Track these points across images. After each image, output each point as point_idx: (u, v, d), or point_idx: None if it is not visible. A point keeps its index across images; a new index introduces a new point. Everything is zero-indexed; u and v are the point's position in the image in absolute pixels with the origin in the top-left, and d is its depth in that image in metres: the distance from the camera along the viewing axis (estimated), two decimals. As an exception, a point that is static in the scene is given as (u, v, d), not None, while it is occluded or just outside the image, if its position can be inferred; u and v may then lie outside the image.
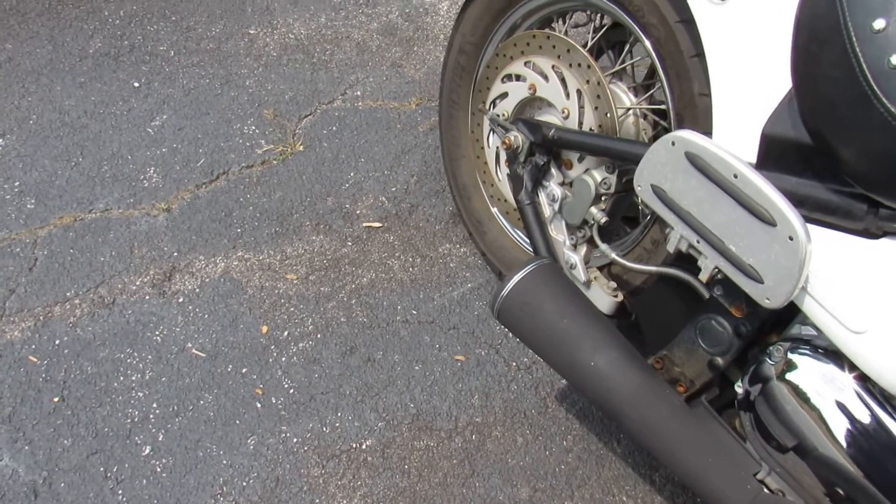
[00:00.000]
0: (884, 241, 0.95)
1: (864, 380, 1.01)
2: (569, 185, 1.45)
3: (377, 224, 1.92)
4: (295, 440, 1.51)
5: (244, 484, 1.44)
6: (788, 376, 1.06)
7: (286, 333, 1.68)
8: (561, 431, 1.54)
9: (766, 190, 0.96)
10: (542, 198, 1.48)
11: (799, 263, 0.95)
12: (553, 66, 1.43)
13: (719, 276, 1.09)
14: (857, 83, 0.86)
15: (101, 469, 1.45)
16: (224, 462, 1.47)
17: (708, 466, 1.14)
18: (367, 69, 2.35)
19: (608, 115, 1.36)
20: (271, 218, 1.92)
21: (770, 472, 1.15)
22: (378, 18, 2.56)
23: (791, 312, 1.08)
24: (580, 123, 1.40)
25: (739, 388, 1.15)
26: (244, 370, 1.61)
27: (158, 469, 1.45)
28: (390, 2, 2.62)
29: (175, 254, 1.82)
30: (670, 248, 1.12)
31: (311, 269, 1.81)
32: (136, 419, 1.52)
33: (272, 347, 1.66)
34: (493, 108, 1.58)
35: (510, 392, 1.60)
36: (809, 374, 1.05)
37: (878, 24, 0.85)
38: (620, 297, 1.44)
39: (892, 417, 0.99)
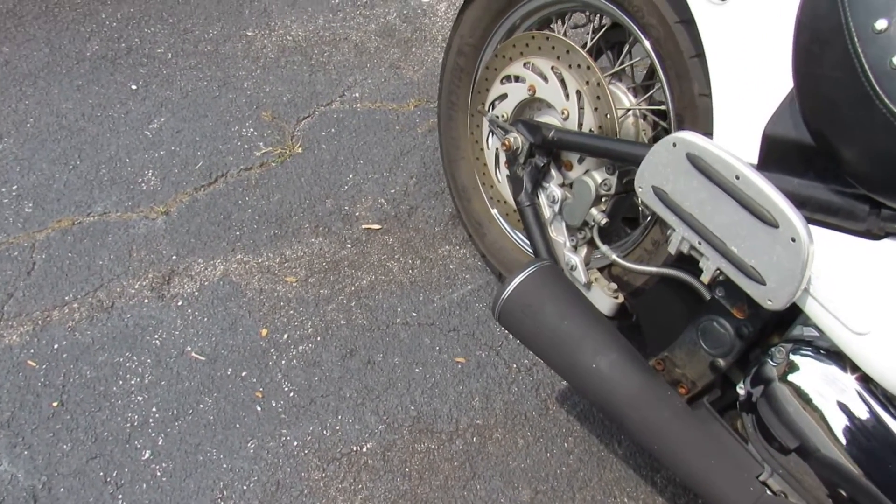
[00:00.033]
0: (886, 241, 0.95)
1: (866, 381, 1.00)
2: (569, 187, 1.45)
3: (376, 226, 1.92)
4: (295, 443, 1.50)
5: (244, 488, 1.43)
6: (790, 378, 1.06)
7: (286, 336, 1.68)
8: (562, 433, 1.54)
9: (768, 191, 0.96)
10: (542, 199, 1.47)
11: (801, 265, 0.95)
12: (552, 68, 1.42)
13: (721, 277, 1.08)
14: (859, 84, 0.86)
15: (101, 474, 1.44)
16: (224, 466, 1.46)
17: (710, 468, 1.14)
18: (366, 71, 2.35)
19: (608, 116, 1.35)
20: (270, 220, 1.91)
21: (772, 473, 1.14)
22: (376, 20, 2.55)
23: (793, 313, 1.07)
24: (580, 124, 1.40)
25: (741, 390, 1.14)
26: (244, 373, 1.61)
27: (158, 473, 1.45)
28: (388, 3, 2.62)
29: (174, 257, 1.82)
30: (672, 249, 1.12)
31: (311, 271, 1.81)
32: (135, 423, 1.52)
33: (272, 350, 1.65)
34: (493, 109, 1.58)
35: (511, 394, 1.60)
36: (811, 375, 1.05)
37: (880, 24, 0.84)
38: (621, 299, 1.44)
39: (895, 418, 0.98)
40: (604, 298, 1.43)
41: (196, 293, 1.75)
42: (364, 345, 1.67)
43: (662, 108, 1.37)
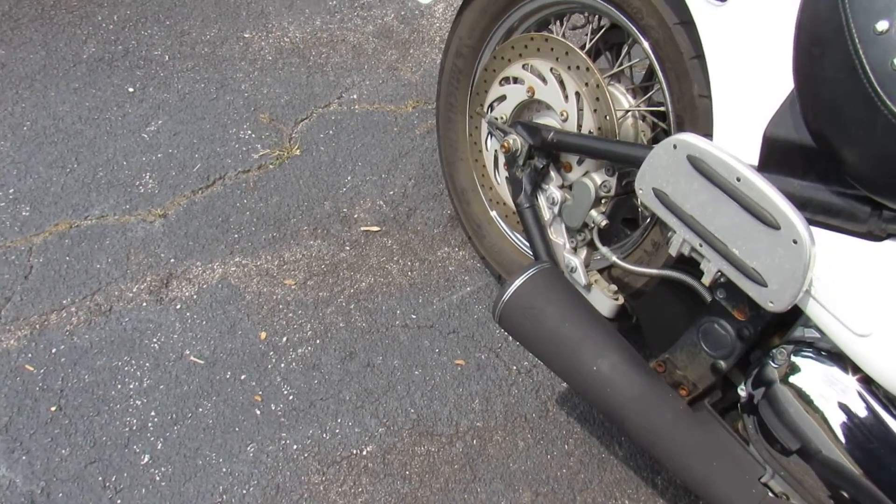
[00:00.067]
0: (887, 243, 0.94)
1: (867, 382, 1.00)
2: (568, 189, 1.44)
3: (375, 228, 1.91)
4: (295, 447, 1.50)
5: (244, 492, 1.43)
6: (792, 379, 1.06)
7: (285, 339, 1.67)
8: (562, 435, 1.54)
9: (769, 193, 0.96)
10: (542, 201, 1.47)
11: (803, 267, 0.95)
12: (551, 69, 1.42)
13: (722, 279, 1.08)
14: (861, 85, 0.86)
15: (100, 478, 1.44)
16: (224, 470, 1.46)
17: (712, 470, 1.14)
18: (363, 72, 2.35)
19: (607, 117, 1.35)
20: (268, 223, 1.91)
21: (774, 475, 1.14)
22: (373, 21, 2.55)
23: (793, 315, 1.07)
24: (579, 126, 1.40)
25: (742, 392, 1.14)
26: (243, 377, 1.60)
27: (157, 478, 1.44)
28: (385, 4, 2.61)
29: (172, 260, 1.81)
30: (672, 251, 1.12)
31: (310, 274, 1.80)
32: (134, 427, 1.51)
33: (271, 353, 1.65)
34: (492, 111, 1.57)
35: (511, 396, 1.60)
36: (813, 376, 1.04)
37: (882, 25, 0.84)
38: (621, 300, 1.43)
39: (897, 419, 0.98)
40: (604, 300, 1.43)
41: (194, 296, 1.74)
42: (363, 347, 1.67)
43: (661, 109, 1.36)
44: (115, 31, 2.44)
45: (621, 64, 1.46)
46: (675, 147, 1.06)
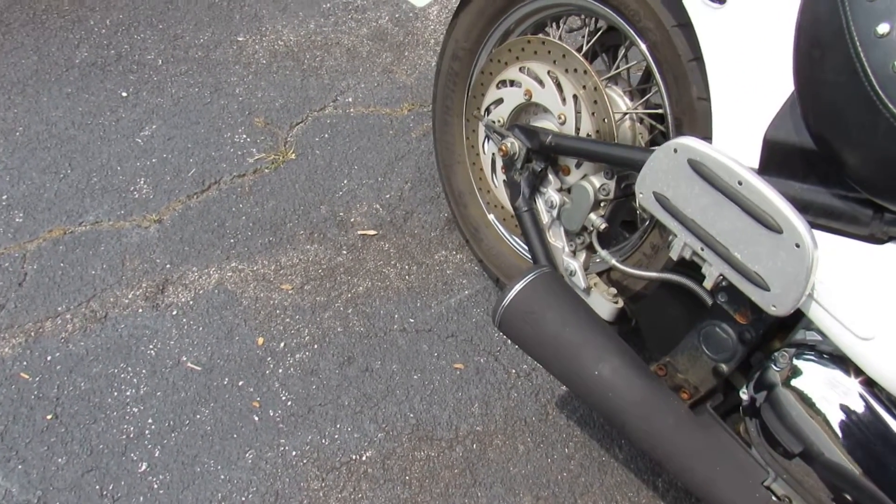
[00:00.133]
0: (889, 245, 0.94)
1: (870, 384, 1.00)
2: (567, 192, 1.44)
3: (372, 232, 1.90)
4: (294, 453, 1.49)
5: (243, 499, 1.42)
6: (794, 382, 1.05)
7: (282, 345, 1.66)
8: (562, 438, 1.53)
9: (771, 197, 0.96)
10: (540, 204, 1.47)
11: (806, 270, 0.95)
12: (549, 72, 1.41)
13: (724, 283, 1.08)
14: (862, 88, 0.86)
15: (97, 487, 1.42)
16: (222, 477, 1.45)
17: (715, 474, 1.13)
18: (358, 75, 2.34)
19: (605, 120, 1.35)
20: (264, 227, 1.90)
21: (776, 478, 1.14)
22: (368, 24, 2.54)
23: (795, 317, 1.07)
24: (577, 129, 1.39)
25: (744, 395, 1.14)
26: (241, 383, 1.59)
27: (155, 486, 1.43)
28: (380, 7, 2.61)
29: (168, 266, 1.80)
30: (673, 255, 1.11)
31: (307, 278, 1.79)
32: (131, 435, 1.50)
33: (268, 359, 1.64)
34: (489, 114, 1.57)
35: (510, 400, 1.59)
36: (815, 379, 1.04)
37: (883, 28, 0.84)
38: (621, 304, 1.43)
39: (900, 422, 0.98)
40: (603, 303, 1.42)
41: (191, 302, 1.73)
42: (362, 352, 1.66)
43: (659, 111, 1.36)
44: (108, 36, 2.43)
45: (618, 66, 1.46)
46: (675, 151, 1.06)
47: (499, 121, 1.53)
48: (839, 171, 0.95)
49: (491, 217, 1.74)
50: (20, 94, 2.20)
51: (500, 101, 1.53)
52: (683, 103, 1.26)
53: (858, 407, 1.01)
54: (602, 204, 1.39)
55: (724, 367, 1.17)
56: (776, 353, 1.07)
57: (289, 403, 1.56)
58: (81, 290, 1.74)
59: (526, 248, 1.62)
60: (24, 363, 1.60)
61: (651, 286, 1.38)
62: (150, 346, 1.64)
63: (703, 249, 1.07)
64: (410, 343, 1.68)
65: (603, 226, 1.39)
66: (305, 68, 2.35)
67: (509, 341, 1.64)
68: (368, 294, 1.77)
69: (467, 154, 1.71)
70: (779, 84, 1.04)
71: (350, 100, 2.25)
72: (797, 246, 0.95)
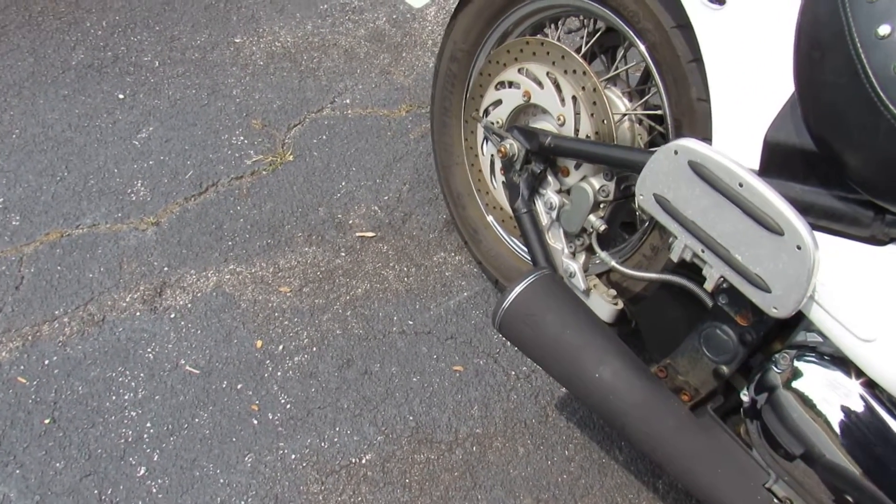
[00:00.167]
0: (891, 247, 0.94)
1: (871, 386, 1.00)
2: (566, 193, 1.44)
3: (370, 234, 1.90)
4: (293, 456, 1.48)
5: (242, 503, 1.41)
6: (795, 384, 1.05)
7: (281, 347, 1.66)
8: (562, 440, 1.53)
9: (772, 199, 0.95)
10: (540, 206, 1.46)
11: (807, 272, 0.94)
12: (547, 73, 1.41)
13: (724, 284, 1.08)
14: (863, 89, 0.85)
15: (95, 492, 1.42)
16: (221, 481, 1.44)
17: (716, 476, 1.13)
18: (356, 76, 2.33)
19: (604, 121, 1.35)
20: (263, 230, 1.89)
21: (777, 480, 1.14)
22: (365, 25, 2.54)
23: (795, 319, 1.07)
24: (576, 130, 1.39)
25: (745, 397, 1.14)
26: (239, 386, 1.59)
27: (154, 490, 1.42)
28: (377, 8, 2.60)
29: (165, 268, 1.79)
30: (674, 257, 1.11)
31: (305, 281, 1.79)
32: (129, 439, 1.49)
33: (267, 362, 1.63)
34: (487, 115, 1.56)
35: (510, 402, 1.59)
36: (816, 381, 1.04)
37: (883, 29, 0.84)
38: (620, 305, 1.43)
39: (901, 423, 0.98)
40: (603, 305, 1.42)
41: (189, 305, 1.72)
42: (361, 354, 1.65)
43: (659, 112, 1.36)
44: (104, 38, 2.42)
45: (617, 67, 1.46)
46: (675, 152, 1.06)
47: (497, 122, 1.53)
48: (840, 172, 0.95)
49: (490, 218, 1.73)
50: (16, 97, 2.19)
51: (498, 103, 1.53)
52: (683, 104, 1.26)
53: (859, 408, 1.00)
54: (601, 205, 1.39)
55: (724, 368, 1.17)
56: (777, 355, 1.07)
57: (288, 406, 1.56)
58: (79, 294, 1.73)
59: (525, 249, 1.62)
60: (22, 367, 1.59)
61: (651, 288, 1.38)
62: (149, 350, 1.64)
63: (703, 251, 1.07)
64: (409, 345, 1.67)
65: (602, 227, 1.39)
66: (303, 70, 2.34)
67: (508, 343, 1.64)
68: (367, 296, 1.76)
69: (466, 155, 1.71)
70: (779, 85, 1.04)
71: (348, 101, 2.25)
72: (798, 248, 0.94)
